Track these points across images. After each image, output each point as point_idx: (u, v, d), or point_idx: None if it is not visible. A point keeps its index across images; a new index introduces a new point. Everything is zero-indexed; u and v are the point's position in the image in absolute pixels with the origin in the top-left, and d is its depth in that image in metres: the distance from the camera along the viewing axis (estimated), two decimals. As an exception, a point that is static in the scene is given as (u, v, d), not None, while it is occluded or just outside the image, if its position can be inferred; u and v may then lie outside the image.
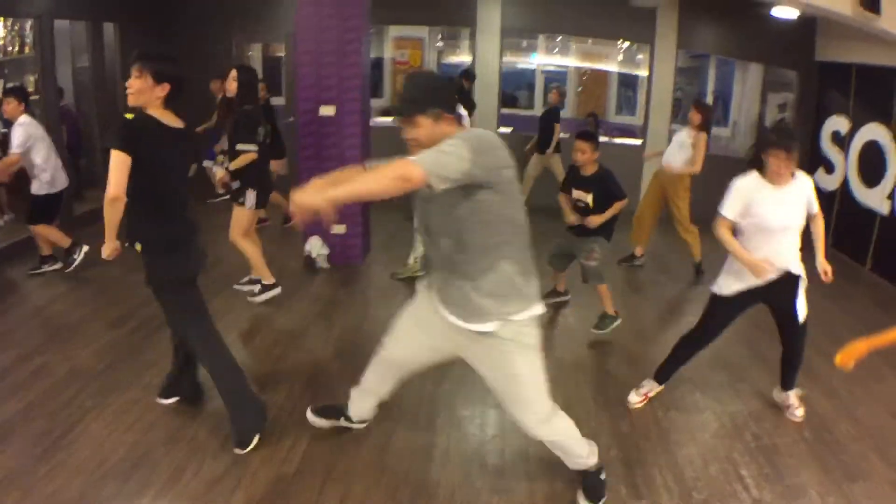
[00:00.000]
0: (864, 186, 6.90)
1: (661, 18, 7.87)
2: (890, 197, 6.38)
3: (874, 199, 6.67)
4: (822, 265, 3.47)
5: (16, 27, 7.19)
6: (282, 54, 9.45)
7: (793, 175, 3.26)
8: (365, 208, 5.64)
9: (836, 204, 7.42)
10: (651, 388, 3.76)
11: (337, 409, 3.14)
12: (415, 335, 2.64)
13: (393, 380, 2.88)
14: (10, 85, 6.19)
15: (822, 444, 3.44)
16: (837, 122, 7.41)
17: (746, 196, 3.25)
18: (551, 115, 7.46)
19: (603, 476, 2.86)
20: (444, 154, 2.01)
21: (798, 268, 3.37)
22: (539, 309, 2.40)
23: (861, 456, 3.34)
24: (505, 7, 7.91)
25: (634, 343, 4.59)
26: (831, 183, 7.54)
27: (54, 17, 6.41)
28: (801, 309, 3.44)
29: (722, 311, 3.49)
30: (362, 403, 3.02)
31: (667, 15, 7.84)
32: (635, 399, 3.74)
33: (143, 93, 2.74)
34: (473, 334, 2.37)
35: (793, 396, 3.73)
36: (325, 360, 3.98)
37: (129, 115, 2.73)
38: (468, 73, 7.77)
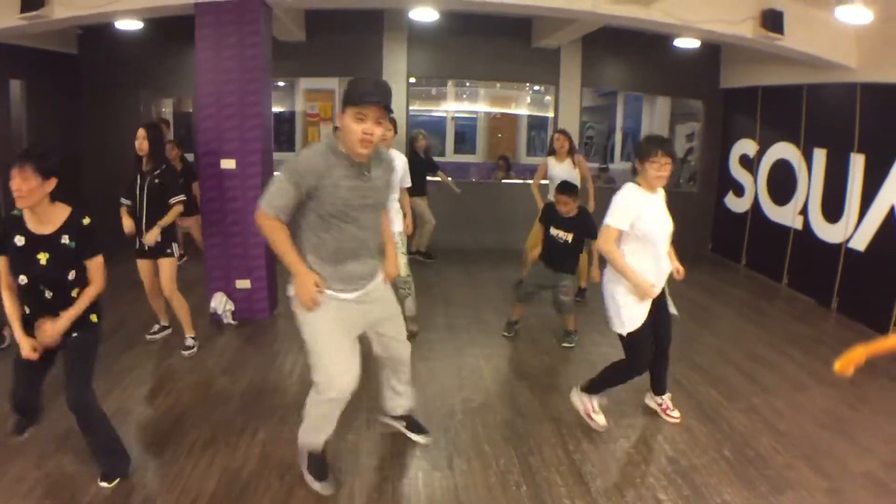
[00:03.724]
0: (774, 205, 7.09)
1: (565, 58, 8.04)
2: (802, 212, 6.56)
3: (786, 215, 6.84)
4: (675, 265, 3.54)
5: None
6: (192, 110, 9.21)
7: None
8: (270, 262, 5.47)
9: (748, 225, 7.60)
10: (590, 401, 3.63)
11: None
12: (344, 338, 2.92)
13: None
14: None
15: (744, 460, 3.34)
16: (745, 146, 7.66)
17: (636, 205, 3.19)
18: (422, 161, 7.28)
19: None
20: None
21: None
22: None
23: (788, 467, 3.26)
24: (411, 54, 7.95)
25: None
26: (742, 205, 7.74)
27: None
28: (672, 310, 3.55)
29: (641, 340, 3.38)
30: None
31: (570, 55, 8.02)
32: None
33: (34, 193, 2.67)
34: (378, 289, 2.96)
35: (668, 399, 3.77)
36: (229, 415, 3.78)
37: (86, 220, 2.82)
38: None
